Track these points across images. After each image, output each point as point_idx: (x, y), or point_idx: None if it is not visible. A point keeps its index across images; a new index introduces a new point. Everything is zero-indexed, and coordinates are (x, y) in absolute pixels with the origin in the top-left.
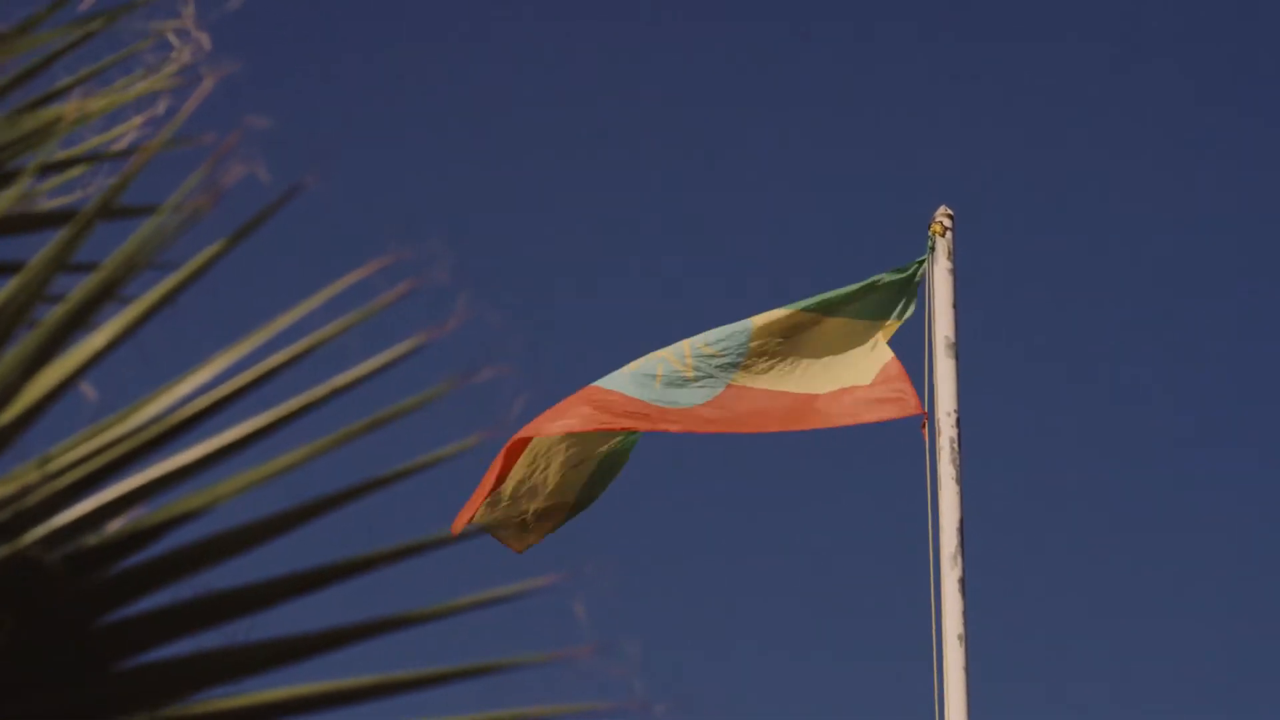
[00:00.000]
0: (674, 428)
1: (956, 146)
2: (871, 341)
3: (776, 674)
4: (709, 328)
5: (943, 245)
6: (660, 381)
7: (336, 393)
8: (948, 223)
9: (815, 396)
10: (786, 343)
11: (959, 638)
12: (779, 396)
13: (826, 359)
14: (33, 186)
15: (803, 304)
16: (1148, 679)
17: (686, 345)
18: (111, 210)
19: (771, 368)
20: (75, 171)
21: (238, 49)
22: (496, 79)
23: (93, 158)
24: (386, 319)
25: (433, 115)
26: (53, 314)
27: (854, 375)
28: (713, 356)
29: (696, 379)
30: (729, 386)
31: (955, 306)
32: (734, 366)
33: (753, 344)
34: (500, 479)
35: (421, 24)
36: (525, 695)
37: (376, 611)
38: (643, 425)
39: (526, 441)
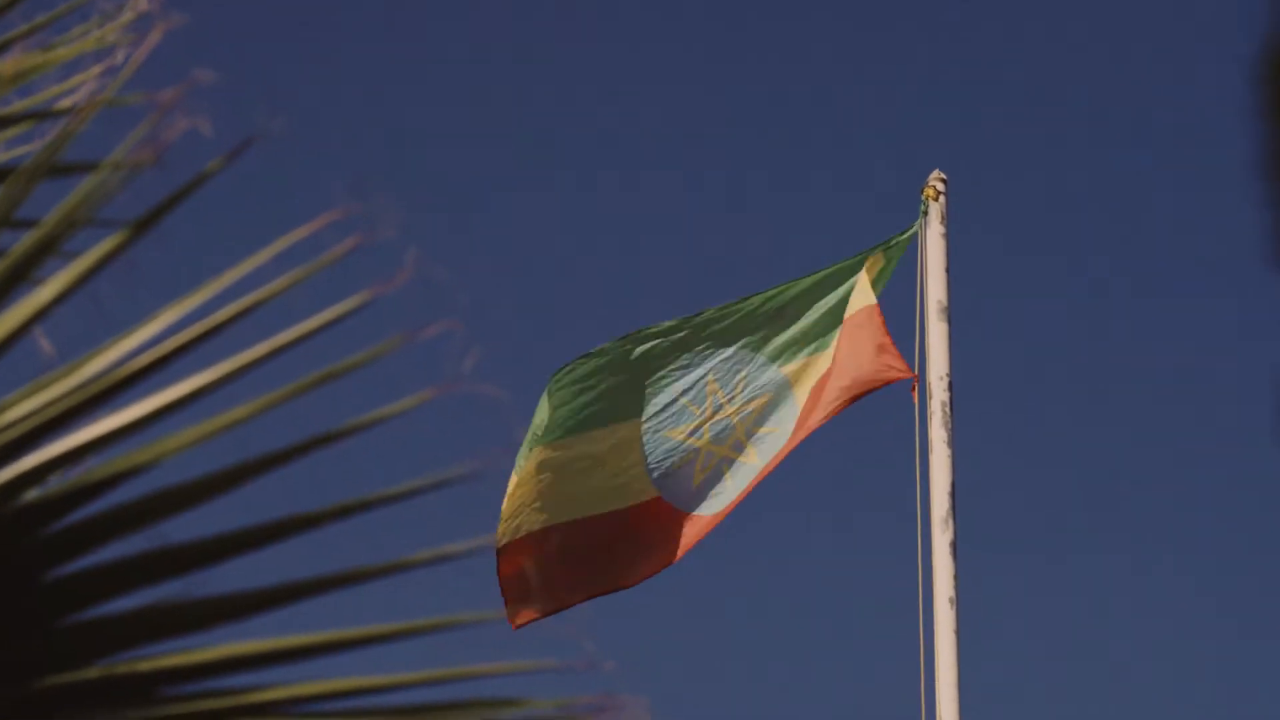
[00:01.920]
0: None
1: (950, 110)
2: (850, 284)
3: (764, 636)
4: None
5: (936, 209)
6: (730, 479)
7: (284, 348)
8: (941, 187)
9: (816, 386)
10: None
11: (949, 600)
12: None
13: (819, 348)
14: None
15: (798, 287)
16: (1140, 641)
17: (739, 425)
18: (56, 166)
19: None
20: (23, 126)
21: (186, 2)
22: (448, 30)
23: (40, 114)
24: (334, 274)
25: (382, 70)
26: None
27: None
28: (769, 434)
29: (759, 454)
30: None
31: (948, 271)
32: (789, 425)
33: (796, 398)
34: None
35: None
36: (475, 653)
37: (325, 568)
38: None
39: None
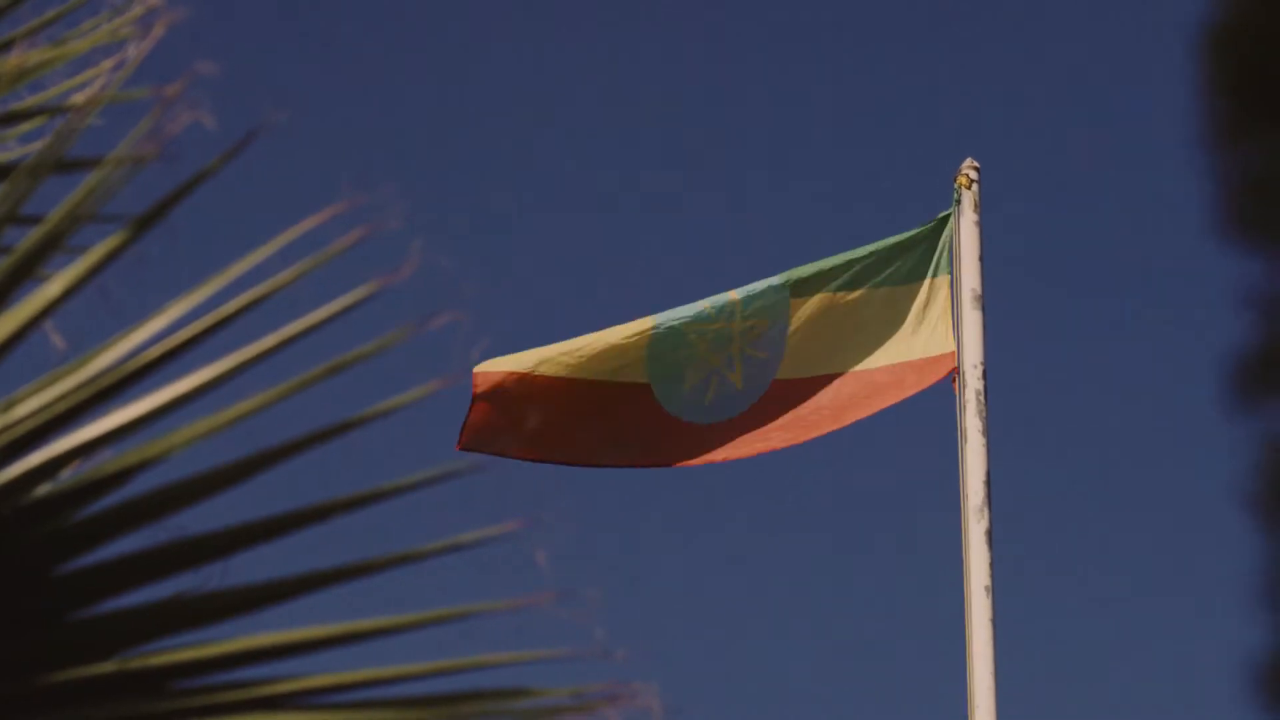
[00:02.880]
0: (720, 457)
1: (982, 98)
2: (916, 308)
3: (790, 624)
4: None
5: (969, 198)
6: (711, 396)
7: (292, 339)
8: (973, 175)
9: (867, 372)
10: (824, 324)
11: (985, 589)
12: (824, 381)
13: (871, 330)
14: None
15: (832, 262)
16: (1175, 629)
17: (737, 337)
18: (61, 162)
19: (812, 353)
20: (35, 123)
21: None
22: (454, 20)
23: (52, 109)
24: (341, 266)
25: (387, 60)
26: (0, 265)
27: (905, 349)
28: (755, 358)
29: (745, 389)
30: (773, 384)
31: (982, 259)
32: (777, 360)
33: (791, 333)
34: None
35: None
36: (487, 643)
37: (337, 559)
38: (693, 461)
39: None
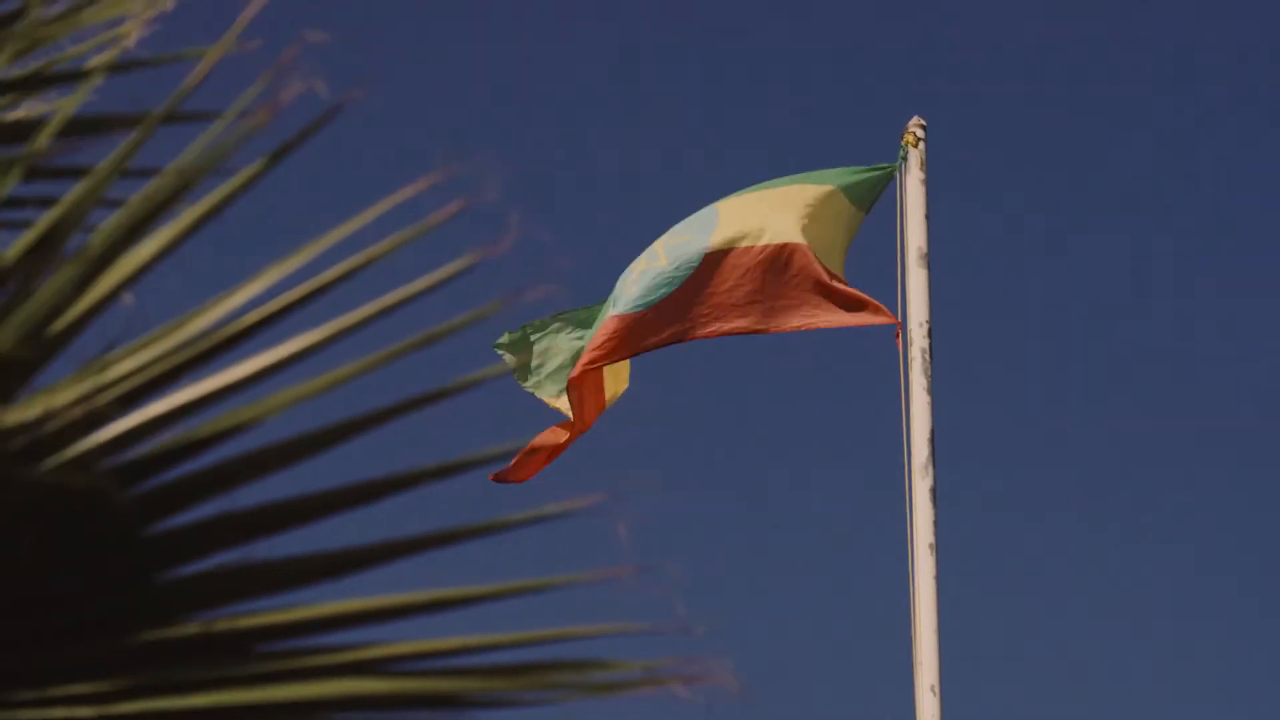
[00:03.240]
0: (656, 340)
1: (929, 56)
2: (845, 222)
3: (750, 583)
4: None
5: (915, 156)
6: (649, 287)
7: (388, 310)
8: (920, 133)
9: (795, 245)
10: (759, 207)
11: (930, 547)
12: (758, 252)
13: (805, 213)
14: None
15: (768, 183)
16: (1118, 591)
17: (659, 245)
18: (172, 115)
19: (743, 222)
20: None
21: None
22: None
23: (144, 62)
24: (437, 236)
25: (486, 31)
26: (111, 221)
27: (829, 247)
28: (685, 241)
29: (675, 267)
30: (704, 257)
31: (928, 218)
32: (704, 242)
33: (722, 218)
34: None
35: None
36: (567, 615)
37: (420, 528)
38: (625, 348)
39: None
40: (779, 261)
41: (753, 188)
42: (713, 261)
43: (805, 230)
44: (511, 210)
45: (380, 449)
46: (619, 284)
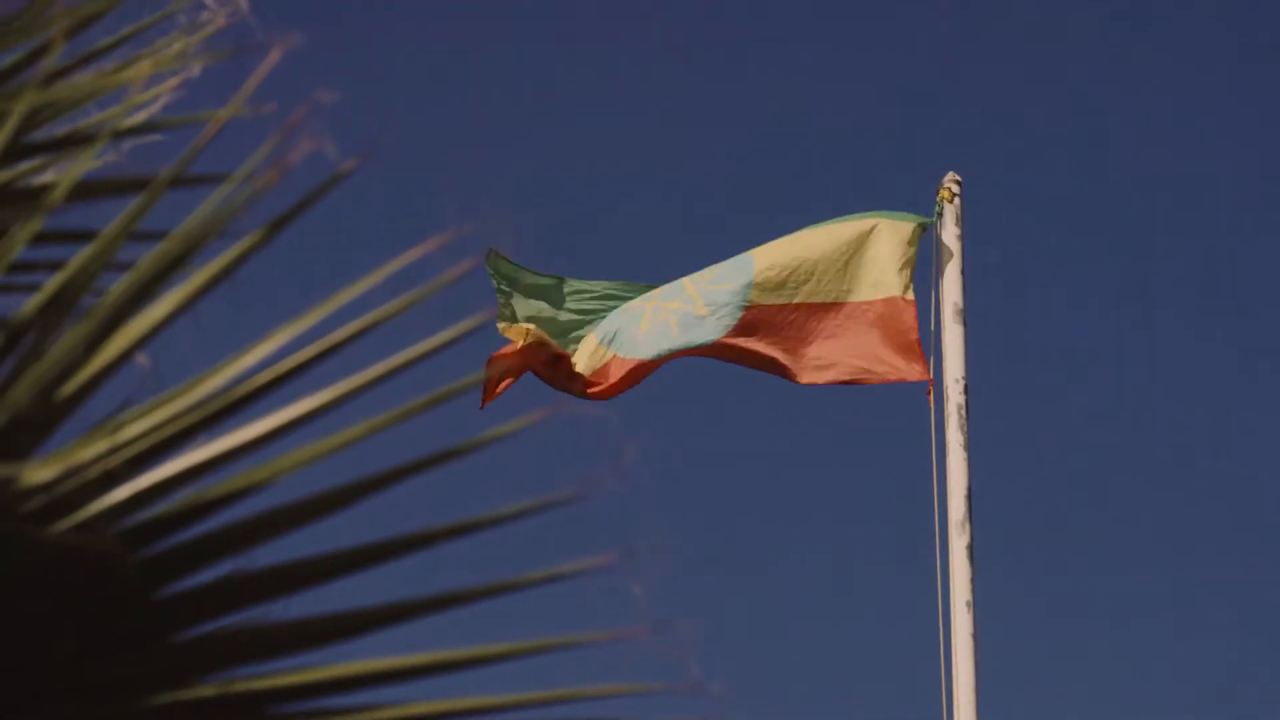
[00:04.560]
0: (698, 352)
1: (965, 113)
2: (888, 246)
3: (782, 638)
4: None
5: (951, 211)
6: (677, 328)
7: (400, 368)
8: (956, 189)
9: (834, 305)
10: (797, 257)
11: (967, 604)
12: (798, 311)
13: (844, 264)
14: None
15: (802, 230)
16: (1157, 645)
17: (689, 285)
18: (180, 179)
19: (785, 282)
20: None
21: (300, 19)
22: (563, 53)
23: (155, 126)
24: (449, 295)
25: (496, 90)
26: (120, 284)
27: (872, 286)
28: (721, 289)
29: (713, 313)
30: (745, 310)
31: (963, 273)
32: (745, 295)
33: (759, 266)
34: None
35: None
36: (581, 675)
37: (432, 588)
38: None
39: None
40: (816, 314)
41: (787, 236)
42: (752, 315)
43: (847, 275)
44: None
45: (392, 509)
46: (620, 317)
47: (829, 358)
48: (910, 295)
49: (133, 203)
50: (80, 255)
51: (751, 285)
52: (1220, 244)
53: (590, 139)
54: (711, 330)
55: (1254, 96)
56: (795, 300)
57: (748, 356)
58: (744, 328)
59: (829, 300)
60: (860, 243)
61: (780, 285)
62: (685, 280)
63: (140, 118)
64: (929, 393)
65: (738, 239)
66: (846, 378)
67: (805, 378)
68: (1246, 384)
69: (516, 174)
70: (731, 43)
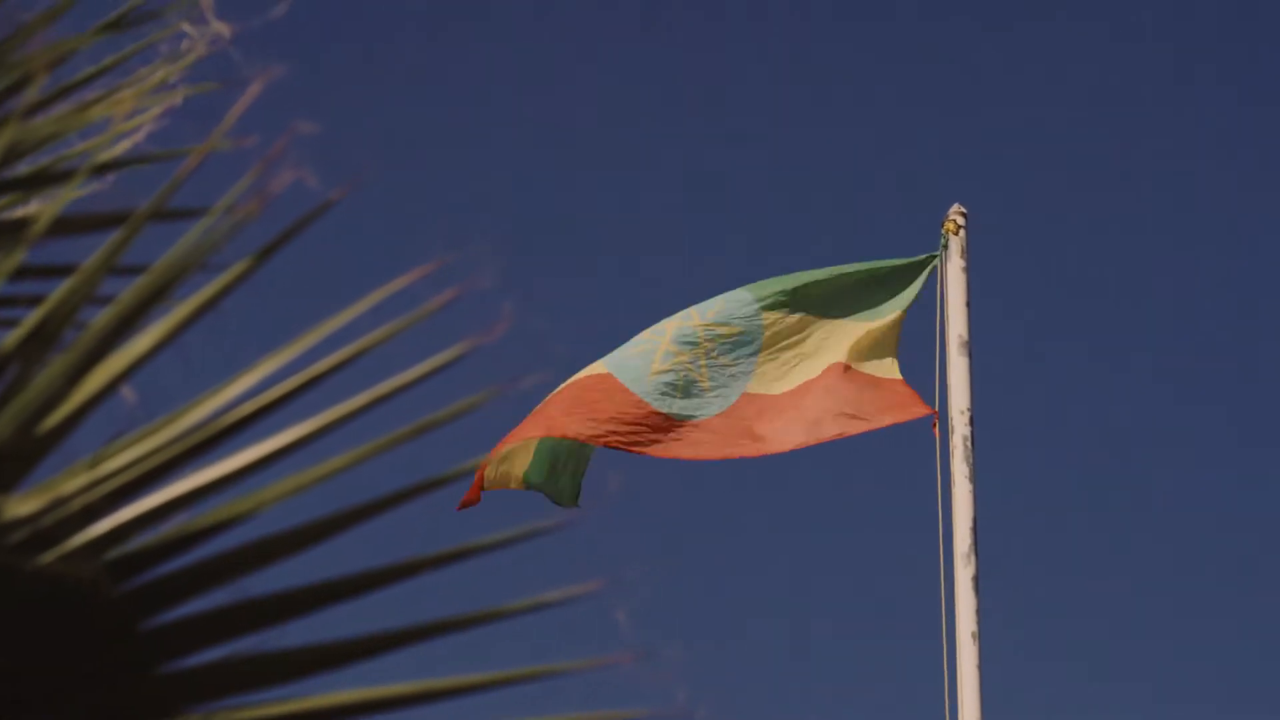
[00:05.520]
0: (688, 454)
1: (969, 144)
2: (879, 334)
3: (793, 671)
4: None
5: (956, 244)
6: (679, 392)
7: (382, 399)
8: (961, 221)
9: (818, 378)
10: (798, 341)
11: (972, 635)
12: (792, 396)
13: (836, 347)
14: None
15: (807, 279)
16: (1162, 676)
17: (700, 329)
18: (160, 212)
19: (785, 369)
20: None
21: (281, 52)
22: (543, 83)
23: (136, 160)
24: (432, 325)
25: (478, 120)
26: (101, 317)
27: (861, 357)
28: (727, 366)
29: (713, 389)
30: (744, 395)
31: (969, 305)
32: (747, 375)
33: (764, 342)
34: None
35: (462, 27)
36: (567, 702)
37: (418, 618)
38: (673, 450)
39: (541, 430)
40: (817, 387)
41: (787, 277)
42: (748, 402)
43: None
44: (506, 298)
45: (377, 538)
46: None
47: (820, 412)
48: (895, 374)
49: (112, 236)
50: (61, 289)
51: (753, 372)
52: (1228, 274)
53: (577, 165)
54: (706, 408)
55: (1261, 130)
56: (794, 385)
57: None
58: (736, 414)
59: (819, 371)
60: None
61: (781, 377)
62: (694, 312)
63: (121, 148)
64: (934, 425)
65: (736, 263)
66: (854, 428)
67: (800, 439)
68: (1254, 415)
69: (501, 203)
70: (731, 64)
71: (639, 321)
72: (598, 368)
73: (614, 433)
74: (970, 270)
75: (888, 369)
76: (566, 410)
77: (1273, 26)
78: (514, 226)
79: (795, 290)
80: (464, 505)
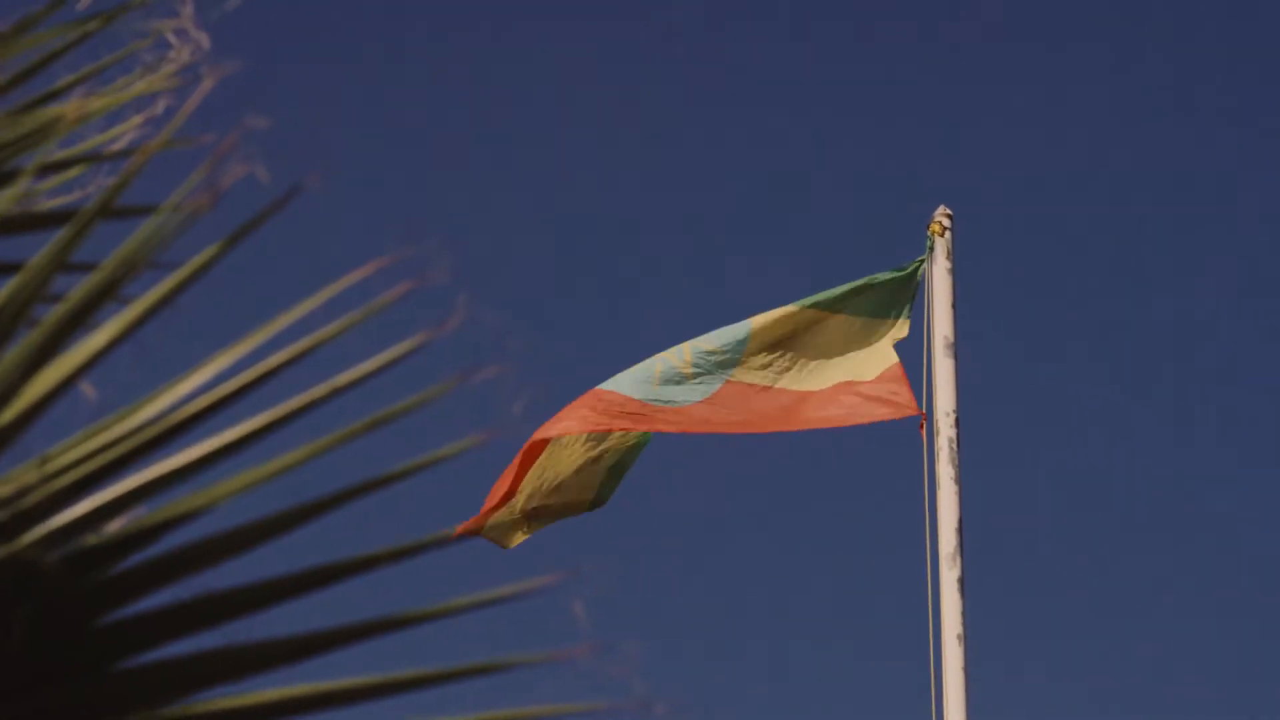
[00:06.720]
0: (669, 428)
1: (955, 146)
2: (875, 340)
3: (774, 673)
4: (709, 328)
5: (942, 245)
6: (658, 380)
7: (336, 392)
8: (946, 223)
9: (812, 393)
10: (786, 341)
11: (958, 637)
12: (777, 394)
13: (827, 358)
14: (31, 186)
15: (802, 302)
16: (1147, 679)
17: (687, 346)
18: (111, 210)
19: (770, 364)
20: (74, 171)
21: (237, 49)
22: (498, 78)
23: (91, 158)
24: (386, 319)
25: (432, 116)
26: (53, 313)
27: (854, 371)
28: (712, 353)
29: (695, 375)
30: (726, 383)
31: (954, 306)
32: (732, 364)
33: (752, 342)
34: (513, 490)
35: (421, 23)
36: (524, 695)
37: (376, 612)
38: (640, 425)
39: (539, 449)
40: (795, 408)
41: (787, 306)
42: (731, 390)
43: (825, 373)
44: (460, 292)
45: (332, 533)
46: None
47: (818, 408)
48: (894, 359)
49: (60, 233)
50: (8, 285)
51: (738, 362)
52: (1216, 275)
53: (542, 167)
54: (688, 394)
55: (1253, 129)
56: (777, 386)
57: (719, 425)
58: (717, 401)
59: (807, 390)
60: (851, 342)
61: (765, 368)
62: (686, 343)
63: (78, 149)
64: (921, 426)
65: (724, 278)
66: (838, 421)
67: (794, 425)
68: (1242, 421)
69: (457, 201)
70: (719, 69)
71: (615, 319)
72: (594, 393)
73: (599, 424)
74: (956, 272)
75: (885, 358)
76: (553, 422)
77: (1260, 28)
78: (470, 221)
79: (787, 313)
80: (461, 533)
